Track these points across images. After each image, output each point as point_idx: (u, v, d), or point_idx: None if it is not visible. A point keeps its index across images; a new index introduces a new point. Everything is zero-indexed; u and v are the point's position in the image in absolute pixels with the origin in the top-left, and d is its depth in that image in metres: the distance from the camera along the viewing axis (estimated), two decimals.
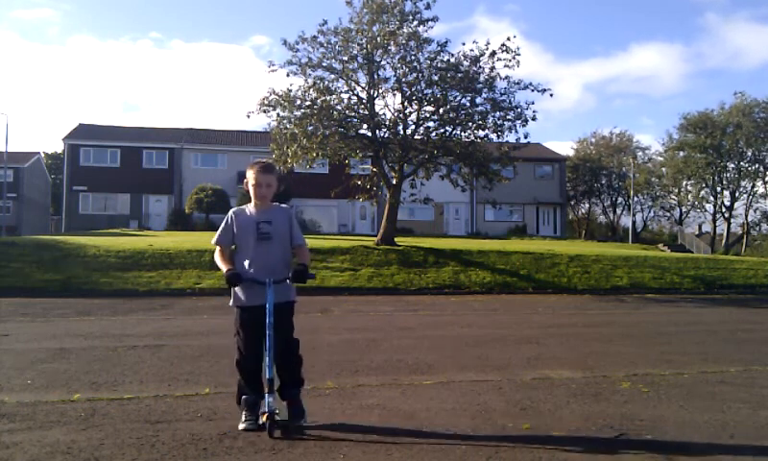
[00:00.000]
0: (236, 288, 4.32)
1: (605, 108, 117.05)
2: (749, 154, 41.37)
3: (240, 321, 4.35)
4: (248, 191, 4.42)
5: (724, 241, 42.49)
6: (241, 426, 4.23)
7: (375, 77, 20.65)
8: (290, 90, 20.05)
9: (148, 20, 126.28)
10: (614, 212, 52.30)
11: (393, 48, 20.01)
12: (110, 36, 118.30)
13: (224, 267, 4.30)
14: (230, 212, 4.46)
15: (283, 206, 4.59)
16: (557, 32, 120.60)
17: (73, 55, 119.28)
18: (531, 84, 20.44)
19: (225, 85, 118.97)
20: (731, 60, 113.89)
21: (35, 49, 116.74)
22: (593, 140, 53.17)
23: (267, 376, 4.09)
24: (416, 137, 21.07)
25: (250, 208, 4.43)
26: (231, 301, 4.43)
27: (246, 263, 4.32)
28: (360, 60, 20.31)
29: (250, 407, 4.29)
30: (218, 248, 4.43)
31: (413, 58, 20.26)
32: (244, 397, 4.35)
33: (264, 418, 4.07)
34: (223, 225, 4.44)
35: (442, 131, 21.08)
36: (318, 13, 73.29)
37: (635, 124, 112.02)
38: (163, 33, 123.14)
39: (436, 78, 20.27)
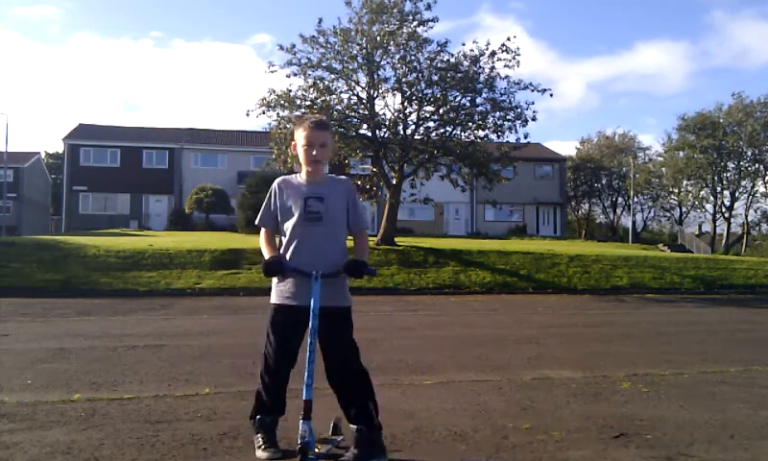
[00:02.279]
0: (275, 279, 3.48)
1: (609, 107, 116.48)
2: (749, 154, 41.37)
3: (272, 321, 3.53)
4: (295, 155, 3.51)
5: (724, 241, 42.47)
6: (260, 455, 3.54)
7: (375, 77, 20.65)
8: (290, 90, 20.07)
9: (149, 19, 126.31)
10: (614, 212, 52.32)
11: (392, 48, 20.02)
12: (111, 35, 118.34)
13: (266, 253, 3.43)
14: (275, 183, 3.54)
15: (342, 177, 3.60)
16: (562, 29, 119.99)
17: (74, 54, 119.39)
18: (531, 84, 20.48)
19: (226, 85, 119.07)
20: (737, 58, 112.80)
21: (35, 48, 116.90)
22: (596, 140, 53.21)
23: (304, 398, 3.19)
24: (416, 137, 21.07)
25: (300, 178, 3.51)
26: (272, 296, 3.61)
27: (289, 251, 3.40)
28: (360, 60, 20.32)
29: (266, 429, 3.65)
30: (263, 230, 3.54)
31: (413, 58, 20.27)
32: (259, 416, 3.70)
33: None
34: (266, 199, 3.54)
35: (442, 131, 21.09)
36: (320, 11, 73.24)
37: (638, 123, 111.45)
38: (164, 32, 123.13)
39: (436, 78, 20.27)
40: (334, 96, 20.31)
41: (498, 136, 20.83)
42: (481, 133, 20.87)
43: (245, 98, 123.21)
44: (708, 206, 44.28)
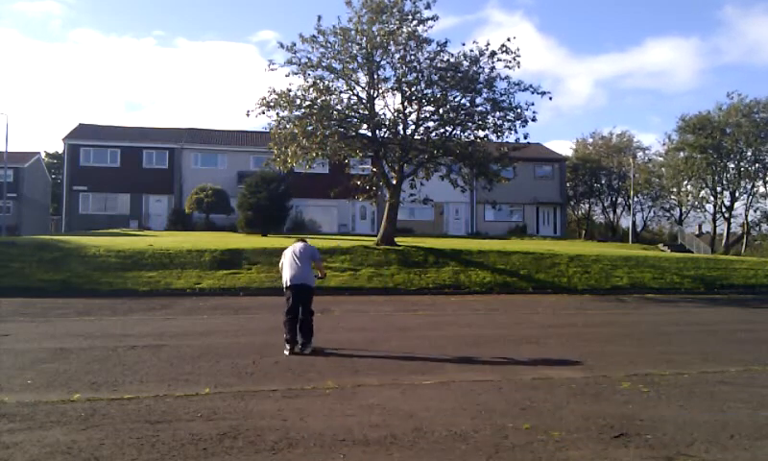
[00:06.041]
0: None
1: (616, 105, 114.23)
2: (749, 154, 41.35)
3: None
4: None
5: (724, 241, 42.44)
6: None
7: (375, 77, 20.63)
8: (290, 90, 20.05)
9: (152, 17, 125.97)
10: (614, 212, 52.29)
11: (392, 48, 20.00)
12: (113, 33, 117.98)
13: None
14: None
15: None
16: (571, 26, 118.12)
17: (75, 53, 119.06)
18: (531, 85, 20.43)
19: (228, 84, 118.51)
20: (747, 54, 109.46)
21: (35, 46, 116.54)
22: (592, 140, 53.21)
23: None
24: (416, 137, 21.05)
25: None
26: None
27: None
28: (360, 59, 20.29)
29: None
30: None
31: (413, 58, 20.25)
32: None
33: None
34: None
35: (442, 131, 21.06)
36: (325, 6, 73.13)
37: (643, 122, 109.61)
38: (167, 30, 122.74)
39: (436, 78, 20.24)
40: (334, 96, 20.27)
41: (498, 137, 20.79)
42: (481, 134, 20.83)
43: (246, 98, 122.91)
44: (708, 207, 44.28)
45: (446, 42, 20.50)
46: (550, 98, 20.75)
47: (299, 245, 8.09)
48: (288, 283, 7.67)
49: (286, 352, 7.24)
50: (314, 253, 8.08)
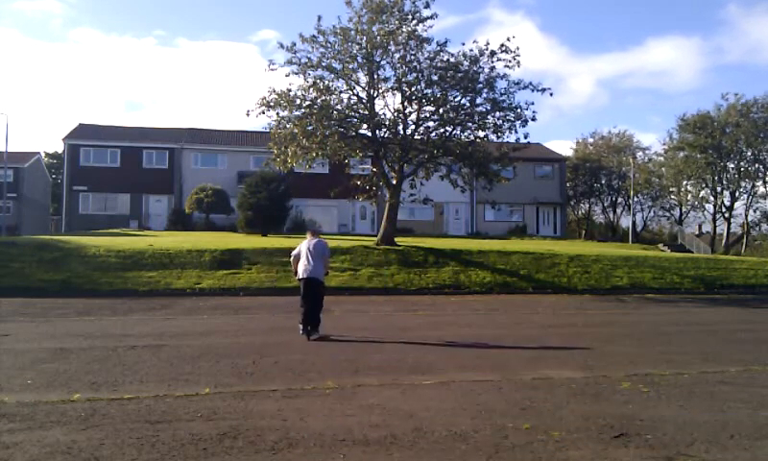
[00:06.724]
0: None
1: (617, 104, 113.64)
2: (749, 154, 41.33)
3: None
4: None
5: (724, 241, 42.42)
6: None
7: (375, 77, 20.62)
8: (290, 90, 20.05)
9: (152, 17, 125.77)
10: (614, 212, 52.27)
11: (392, 48, 20.00)
12: (114, 32, 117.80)
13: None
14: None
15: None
16: (572, 25, 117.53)
17: (75, 53, 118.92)
18: (531, 83, 20.42)
19: (229, 84, 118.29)
20: (749, 54, 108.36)
21: (36, 46, 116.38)
22: (592, 140, 53.20)
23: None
24: (416, 137, 21.04)
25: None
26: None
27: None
28: (360, 59, 20.29)
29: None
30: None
31: (412, 57, 20.24)
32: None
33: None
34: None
35: (441, 131, 21.06)
36: (324, 8, 73.05)
37: (644, 121, 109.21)
38: (168, 30, 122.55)
39: (436, 78, 20.24)
40: (334, 96, 20.27)
41: (498, 137, 20.80)
42: (481, 134, 20.84)
43: (246, 98, 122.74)
44: (708, 207, 44.25)
45: (446, 42, 20.51)
46: (551, 94, 20.72)
47: (313, 240, 9.06)
48: (300, 276, 8.84)
49: (300, 332, 8.65)
50: (324, 250, 9.07)
